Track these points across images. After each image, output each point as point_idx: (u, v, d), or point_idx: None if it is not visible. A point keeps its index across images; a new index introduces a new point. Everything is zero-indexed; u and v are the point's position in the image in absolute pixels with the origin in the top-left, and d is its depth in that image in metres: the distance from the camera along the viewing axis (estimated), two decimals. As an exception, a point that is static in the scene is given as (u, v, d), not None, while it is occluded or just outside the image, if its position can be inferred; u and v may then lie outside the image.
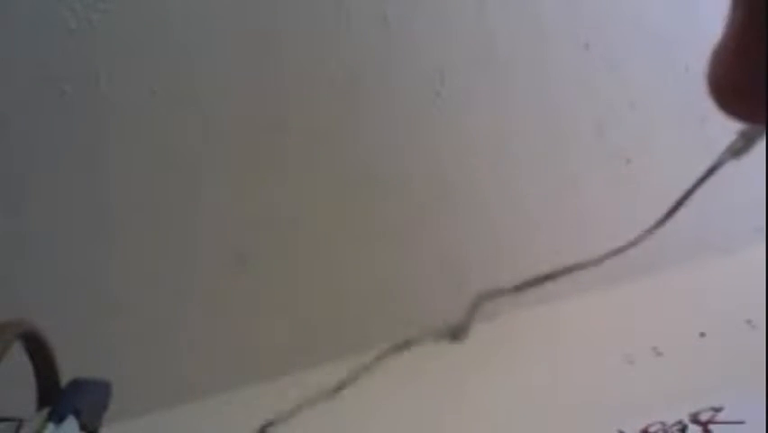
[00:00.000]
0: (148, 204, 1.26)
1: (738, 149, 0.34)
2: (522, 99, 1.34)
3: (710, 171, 0.34)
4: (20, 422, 0.75)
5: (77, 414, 0.76)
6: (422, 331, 0.33)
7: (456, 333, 0.35)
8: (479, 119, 1.33)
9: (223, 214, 1.28)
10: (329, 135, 1.29)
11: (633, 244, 0.35)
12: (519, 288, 0.36)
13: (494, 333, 1.32)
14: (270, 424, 0.38)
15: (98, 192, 1.24)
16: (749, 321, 1.15)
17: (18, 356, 0.78)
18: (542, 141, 1.35)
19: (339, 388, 0.36)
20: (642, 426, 0.99)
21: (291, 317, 1.32)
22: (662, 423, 0.99)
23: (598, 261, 0.37)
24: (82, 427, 0.77)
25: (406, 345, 0.35)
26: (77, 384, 0.80)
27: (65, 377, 0.82)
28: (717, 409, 0.98)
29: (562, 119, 1.35)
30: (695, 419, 0.98)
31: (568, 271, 0.36)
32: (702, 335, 1.16)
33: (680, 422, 0.99)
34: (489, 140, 1.34)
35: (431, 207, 1.34)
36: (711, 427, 0.97)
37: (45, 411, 0.77)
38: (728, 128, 1.31)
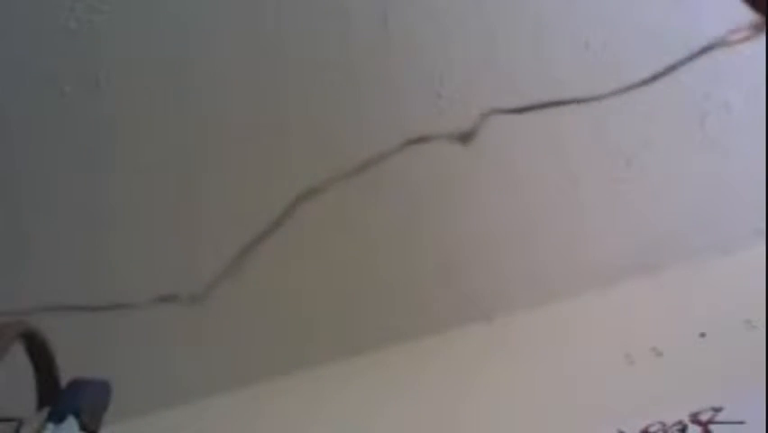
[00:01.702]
0: (147, 203, 1.26)
1: None
2: (522, 99, 1.34)
3: None
4: (20, 422, 0.75)
5: (77, 414, 0.76)
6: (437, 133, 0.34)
7: (465, 137, 0.36)
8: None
9: (222, 213, 1.28)
10: (329, 135, 1.29)
11: None
12: (522, 109, 0.36)
13: (494, 333, 1.33)
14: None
15: (98, 191, 1.24)
16: (749, 321, 1.15)
17: (18, 356, 0.78)
18: (542, 141, 1.35)
19: (359, 169, 0.37)
20: (642, 426, 0.99)
21: (291, 317, 1.32)
22: (662, 423, 0.99)
23: None
24: (82, 427, 0.76)
25: (421, 140, 0.36)
26: (77, 384, 0.80)
27: (65, 377, 0.82)
28: (717, 410, 0.98)
29: (562, 119, 1.35)
30: (695, 419, 0.98)
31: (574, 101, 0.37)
32: (702, 335, 1.17)
33: (680, 422, 0.99)
34: (490, 140, 1.33)
35: (431, 208, 1.34)
36: (711, 427, 0.97)
37: (45, 411, 0.77)
38: (728, 128, 1.31)
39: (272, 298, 1.32)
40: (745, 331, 1.14)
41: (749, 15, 0.36)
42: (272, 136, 1.28)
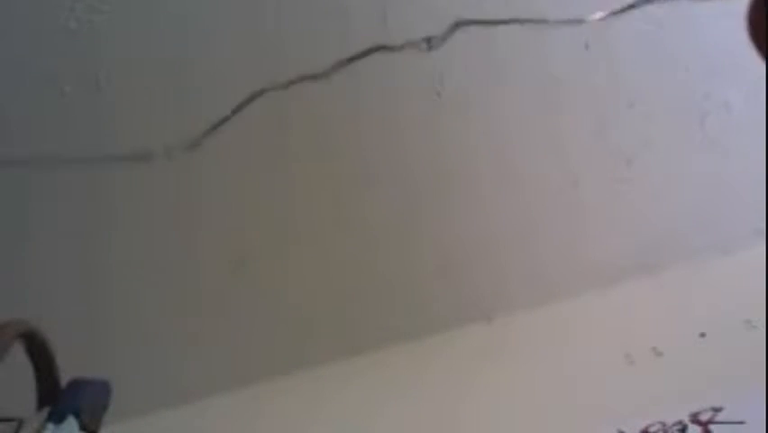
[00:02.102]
0: (147, 203, 1.26)
1: None
2: (522, 99, 1.34)
3: None
4: (20, 422, 0.75)
5: (77, 414, 0.76)
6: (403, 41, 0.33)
7: (431, 43, 0.35)
8: (479, 119, 1.33)
9: (223, 214, 1.28)
10: (330, 135, 1.29)
11: None
12: (492, 21, 0.35)
13: (494, 333, 1.33)
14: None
15: (98, 192, 1.24)
16: (749, 321, 1.15)
17: (18, 356, 0.78)
18: (542, 141, 1.35)
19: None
20: (642, 426, 0.99)
21: (291, 317, 1.32)
22: (662, 423, 0.99)
23: None
24: (82, 427, 0.76)
25: (386, 48, 0.35)
26: (77, 384, 0.80)
27: (65, 377, 0.82)
28: (717, 410, 0.98)
29: (562, 119, 1.35)
30: (695, 419, 0.98)
31: None
32: (702, 335, 1.16)
33: (680, 422, 0.99)
34: (490, 140, 1.33)
35: (431, 207, 1.34)
36: (711, 427, 0.97)
37: (45, 411, 0.77)
38: (728, 128, 1.31)
39: (272, 298, 1.32)
40: (745, 331, 1.14)
41: None
42: (272, 135, 1.28)
